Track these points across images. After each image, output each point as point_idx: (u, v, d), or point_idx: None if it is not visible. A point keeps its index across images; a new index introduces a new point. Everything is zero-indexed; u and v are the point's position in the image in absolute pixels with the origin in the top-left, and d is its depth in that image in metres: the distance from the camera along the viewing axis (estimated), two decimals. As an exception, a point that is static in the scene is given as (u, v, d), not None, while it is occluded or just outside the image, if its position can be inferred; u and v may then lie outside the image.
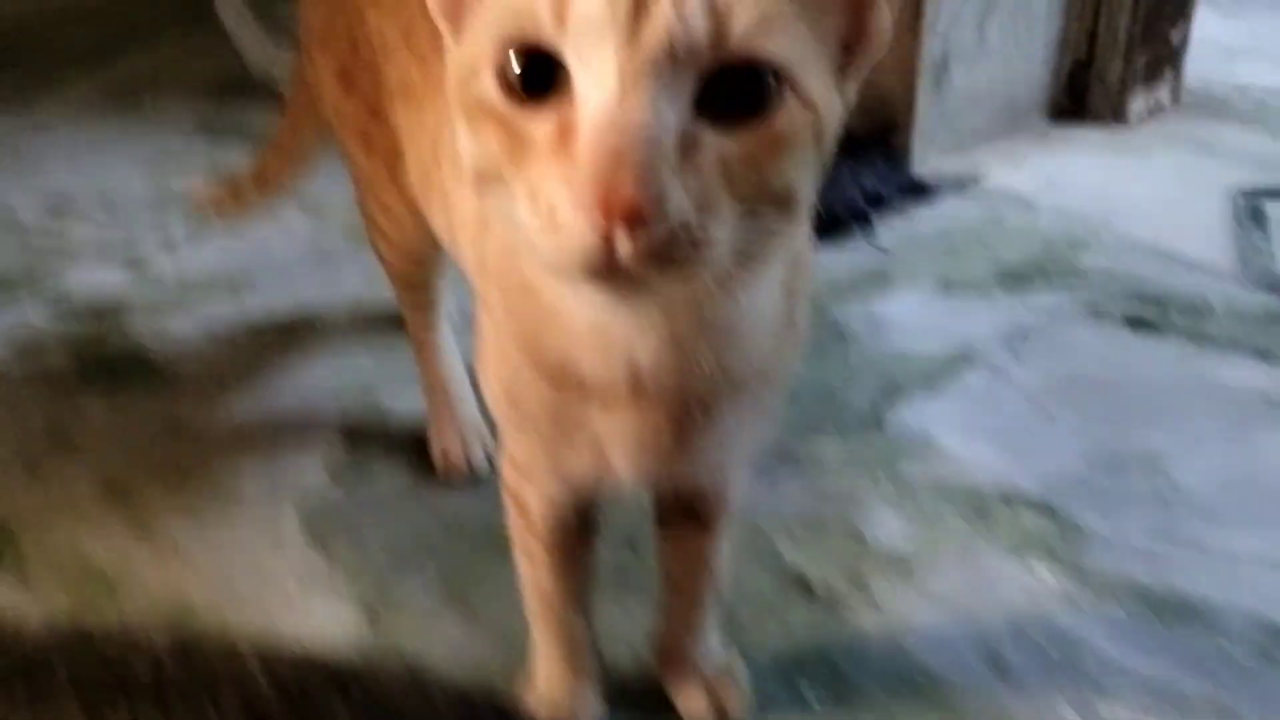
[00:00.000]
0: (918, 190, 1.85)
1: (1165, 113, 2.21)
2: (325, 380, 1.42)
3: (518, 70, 0.53)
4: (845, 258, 1.69)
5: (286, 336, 1.53)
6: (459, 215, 0.89)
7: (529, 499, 0.86)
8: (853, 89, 0.59)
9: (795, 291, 0.72)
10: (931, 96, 1.94)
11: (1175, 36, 2.20)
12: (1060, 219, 1.79)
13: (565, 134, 0.51)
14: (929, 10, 1.88)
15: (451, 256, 1.01)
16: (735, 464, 0.84)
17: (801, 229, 0.68)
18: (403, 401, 1.36)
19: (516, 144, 0.54)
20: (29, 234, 1.84)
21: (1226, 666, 1.00)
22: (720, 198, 0.52)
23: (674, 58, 0.50)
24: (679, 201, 0.50)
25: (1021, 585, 1.09)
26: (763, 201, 0.54)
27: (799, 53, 0.53)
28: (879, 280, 1.62)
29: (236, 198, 1.43)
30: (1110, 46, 2.13)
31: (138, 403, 1.38)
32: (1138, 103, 2.16)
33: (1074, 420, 1.33)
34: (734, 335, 0.68)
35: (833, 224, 1.72)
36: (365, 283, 1.61)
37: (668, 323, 0.65)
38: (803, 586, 1.09)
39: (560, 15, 0.51)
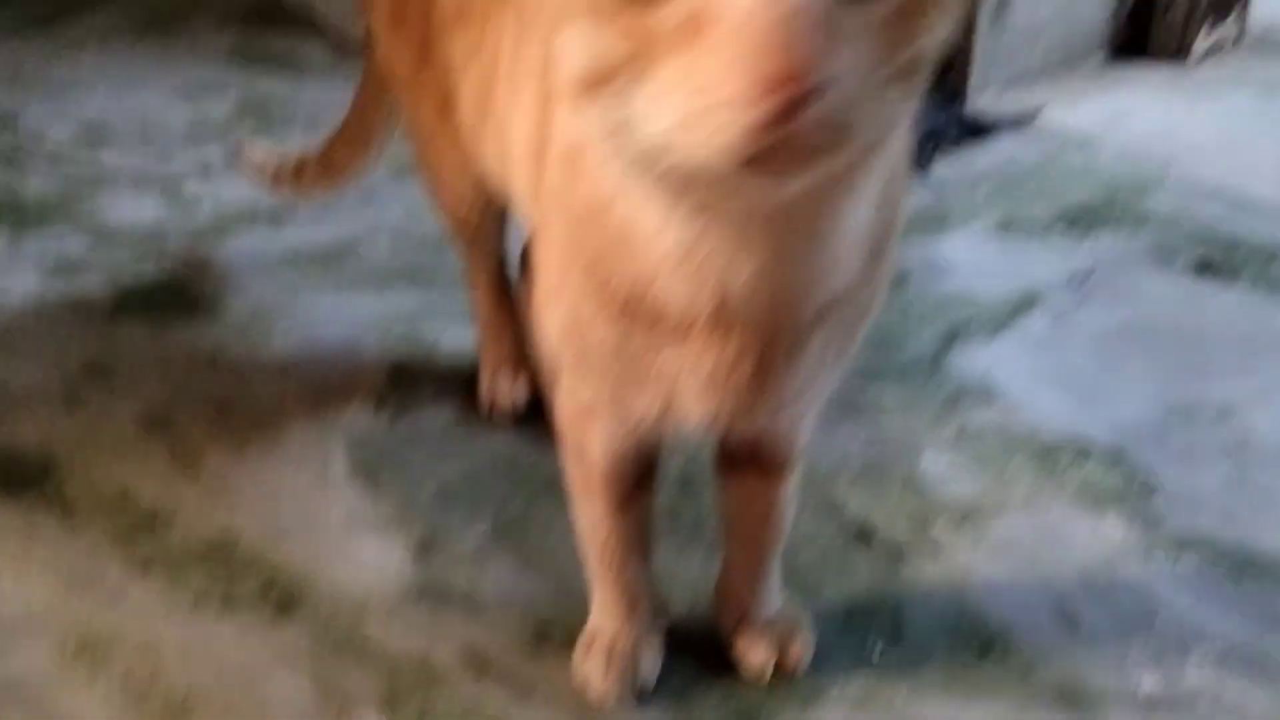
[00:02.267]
0: (974, 128, 1.79)
1: (1229, 52, 2.13)
2: (368, 313, 1.39)
3: None
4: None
5: (328, 268, 1.49)
6: (515, 137, 0.85)
7: (589, 441, 0.83)
8: None
9: (888, 213, 0.69)
10: (990, 30, 1.87)
11: (1243, -28, 2.11)
12: (1122, 160, 1.73)
13: (698, 21, 0.48)
14: (990, -60, 1.82)
15: (505, 193, 0.97)
16: (810, 403, 0.81)
17: (899, 141, 0.65)
18: (448, 337, 1.32)
19: (639, 43, 0.50)
20: (63, 161, 1.80)
21: (1305, 625, 0.96)
22: (868, 68, 0.49)
23: None
24: (838, 73, 0.47)
25: (1091, 537, 1.05)
26: (902, 67, 0.51)
27: None
28: (935, 221, 1.57)
29: (298, 178, 1.39)
30: (1176, -18, 2.05)
31: (177, 333, 1.35)
32: (1201, 41, 2.08)
33: (1141, 368, 1.28)
34: (829, 253, 0.64)
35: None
36: (407, 216, 1.57)
37: (770, 236, 0.62)
38: (863, 535, 1.05)
39: None
